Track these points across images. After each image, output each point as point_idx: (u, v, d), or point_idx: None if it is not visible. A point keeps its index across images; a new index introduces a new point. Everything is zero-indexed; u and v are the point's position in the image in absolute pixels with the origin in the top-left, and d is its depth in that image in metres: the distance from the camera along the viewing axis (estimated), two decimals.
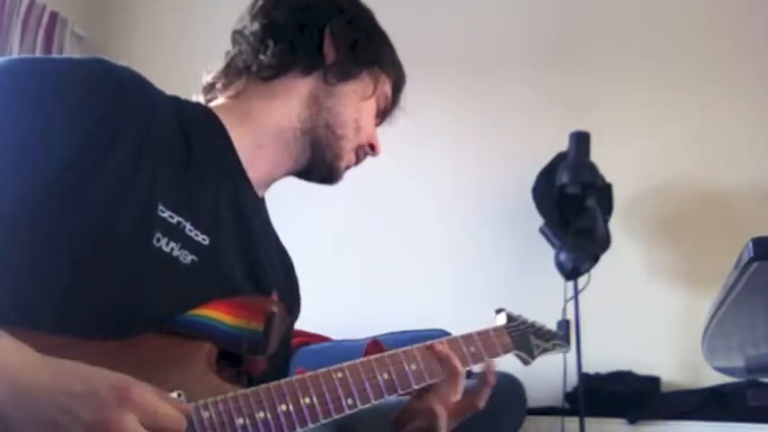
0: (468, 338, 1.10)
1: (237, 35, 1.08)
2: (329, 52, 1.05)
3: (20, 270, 0.79)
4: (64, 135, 0.81)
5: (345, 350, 2.29)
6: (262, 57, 1.04)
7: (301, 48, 1.05)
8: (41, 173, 0.80)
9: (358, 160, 1.12)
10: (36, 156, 0.80)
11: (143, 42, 3.50)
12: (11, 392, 0.66)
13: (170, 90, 1.01)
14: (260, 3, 1.08)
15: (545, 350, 1.24)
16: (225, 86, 1.07)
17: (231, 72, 1.07)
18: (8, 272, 0.79)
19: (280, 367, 1.03)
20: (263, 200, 1.09)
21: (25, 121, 0.81)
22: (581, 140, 2.56)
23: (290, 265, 1.12)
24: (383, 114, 1.15)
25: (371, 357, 0.96)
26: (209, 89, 1.08)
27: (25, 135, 0.80)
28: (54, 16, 3.25)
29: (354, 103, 1.07)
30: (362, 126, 1.09)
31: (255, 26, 1.06)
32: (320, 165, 1.08)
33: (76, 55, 3.42)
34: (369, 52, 1.08)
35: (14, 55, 3.04)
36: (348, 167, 1.11)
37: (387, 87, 1.13)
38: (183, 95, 1.05)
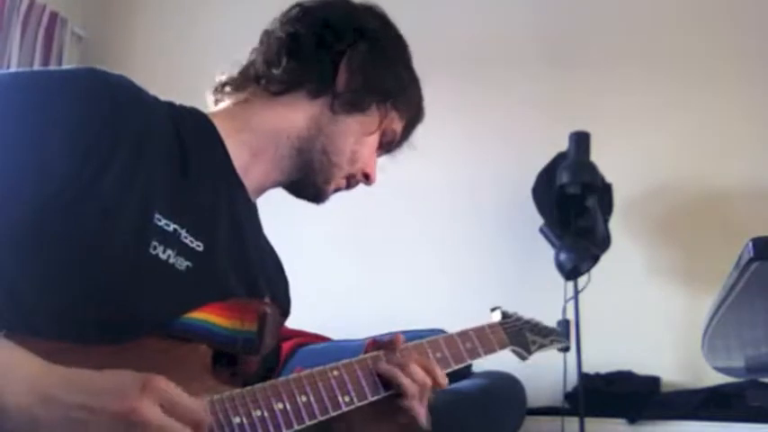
0: (463, 335, 1.10)
1: (264, 35, 1.07)
2: (341, 80, 1.04)
3: (20, 276, 0.80)
4: (62, 151, 0.82)
5: (345, 350, 2.29)
6: (274, 71, 1.04)
7: (314, 69, 1.04)
8: (41, 188, 0.81)
9: (349, 186, 1.11)
10: (35, 172, 0.81)
11: (143, 42, 3.51)
12: (38, 397, 0.68)
13: (170, 89, 1.00)
14: (293, 11, 1.08)
15: (542, 346, 1.24)
16: (233, 91, 1.07)
17: (242, 79, 1.06)
18: (8, 278, 0.80)
19: (272, 366, 1.04)
20: (254, 205, 1.09)
21: (22, 139, 0.82)
22: (581, 140, 2.56)
23: (281, 268, 1.13)
24: (387, 147, 1.13)
25: (367, 355, 0.97)
26: (219, 90, 1.08)
27: (23, 152, 0.81)
28: (54, 16, 3.25)
29: (356, 135, 1.06)
30: (359, 158, 1.07)
31: (280, 33, 1.06)
32: (309, 185, 1.07)
33: (76, 55, 3.43)
34: (383, 86, 1.06)
35: (13, 59, 3.04)
36: (337, 190, 1.11)
37: (396, 124, 1.10)
38: (182, 95, 1.05)
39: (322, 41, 1.04)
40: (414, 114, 1.13)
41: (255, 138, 1.03)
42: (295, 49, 1.04)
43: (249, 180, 1.03)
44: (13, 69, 2.23)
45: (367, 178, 1.11)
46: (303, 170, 1.06)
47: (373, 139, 1.09)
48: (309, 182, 1.07)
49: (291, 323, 1.15)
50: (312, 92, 1.04)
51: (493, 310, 1.22)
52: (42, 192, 0.81)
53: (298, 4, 1.09)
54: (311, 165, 1.05)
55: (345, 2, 1.09)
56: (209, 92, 1.09)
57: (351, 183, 1.11)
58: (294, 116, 1.04)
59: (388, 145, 1.13)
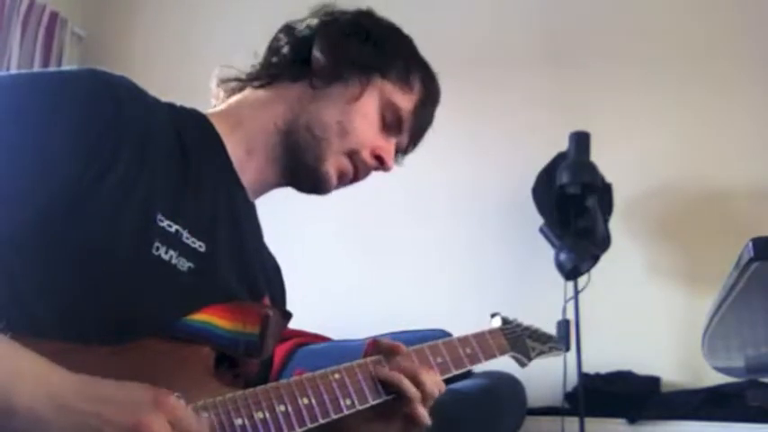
0: (464, 340, 1.10)
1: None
2: (316, 57, 1.05)
3: (22, 277, 0.80)
4: (64, 152, 0.82)
5: (345, 350, 2.29)
6: (254, 66, 1.07)
7: (289, 55, 1.06)
8: (44, 189, 0.81)
9: (357, 170, 1.07)
10: (37, 174, 0.81)
11: (143, 42, 3.51)
12: (49, 401, 0.68)
13: (169, 89, 1.01)
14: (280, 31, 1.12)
15: (541, 352, 1.25)
16: (226, 94, 1.09)
17: (234, 80, 1.09)
18: (11, 278, 0.80)
19: (268, 366, 1.04)
20: (253, 205, 1.09)
21: (24, 140, 0.82)
22: (581, 140, 2.56)
23: (278, 271, 1.13)
24: (396, 129, 1.09)
25: (368, 359, 0.97)
26: (216, 95, 1.10)
27: (25, 153, 0.81)
28: (54, 16, 3.26)
29: (339, 105, 1.04)
30: (350, 130, 1.04)
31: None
32: (304, 169, 1.05)
33: (76, 55, 3.43)
34: (360, 55, 1.05)
35: (13, 59, 3.04)
36: (344, 176, 1.07)
37: (396, 97, 1.07)
38: (182, 95, 1.06)
39: (296, 36, 1.08)
40: (424, 93, 1.11)
41: (248, 133, 1.04)
42: (273, 48, 1.08)
43: (247, 178, 1.04)
44: (13, 71, 2.23)
45: (381, 162, 1.08)
46: (293, 154, 1.04)
47: (363, 109, 1.05)
48: (302, 165, 1.05)
49: (291, 323, 1.15)
50: (292, 77, 1.06)
51: (493, 315, 1.23)
52: (45, 193, 0.81)
53: (285, 24, 1.11)
54: (298, 145, 1.04)
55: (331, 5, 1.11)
56: (198, 92, 1.12)
57: (357, 164, 1.07)
58: (279, 104, 1.05)
59: (398, 124, 1.09)
